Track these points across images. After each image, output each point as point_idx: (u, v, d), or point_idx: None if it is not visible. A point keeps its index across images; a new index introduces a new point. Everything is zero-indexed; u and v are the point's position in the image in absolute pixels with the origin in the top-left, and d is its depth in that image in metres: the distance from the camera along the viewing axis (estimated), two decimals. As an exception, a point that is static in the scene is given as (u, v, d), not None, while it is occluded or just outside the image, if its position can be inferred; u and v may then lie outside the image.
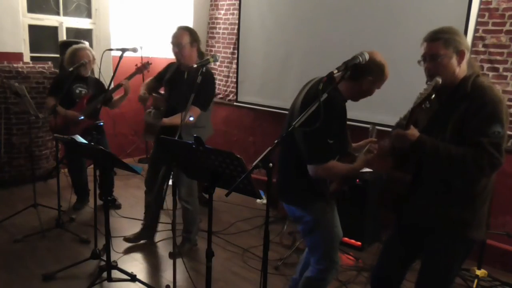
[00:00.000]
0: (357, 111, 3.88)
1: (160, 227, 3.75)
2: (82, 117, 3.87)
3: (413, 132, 1.82)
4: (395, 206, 2.04)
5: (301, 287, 2.47)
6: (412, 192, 1.94)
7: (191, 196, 3.38)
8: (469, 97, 1.81)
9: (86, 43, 4.75)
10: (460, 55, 1.86)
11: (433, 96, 1.80)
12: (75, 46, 4.05)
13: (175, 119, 3.09)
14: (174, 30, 3.17)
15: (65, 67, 4.00)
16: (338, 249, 2.42)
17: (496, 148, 1.73)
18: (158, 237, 3.72)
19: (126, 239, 3.55)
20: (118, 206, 4.38)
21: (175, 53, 3.13)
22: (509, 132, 3.40)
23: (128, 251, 3.49)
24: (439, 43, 1.86)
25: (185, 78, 3.11)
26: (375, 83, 2.19)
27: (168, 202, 4.19)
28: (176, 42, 3.10)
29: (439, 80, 1.80)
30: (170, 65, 3.39)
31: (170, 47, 3.17)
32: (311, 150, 2.08)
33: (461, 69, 1.88)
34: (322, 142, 2.03)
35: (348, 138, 2.34)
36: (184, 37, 3.10)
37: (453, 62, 1.86)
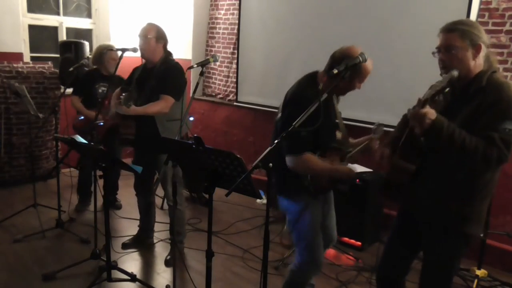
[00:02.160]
0: (356, 111, 3.90)
1: (159, 227, 3.75)
2: (82, 118, 3.88)
3: (432, 111, 1.77)
4: (398, 195, 2.04)
5: (285, 280, 2.53)
6: (414, 183, 1.94)
7: (178, 195, 3.37)
8: (483, 91, 1.79)
9: (86, 43, 4.78)
10: (476, 49, 1.82)
11: (447, 89, 1.78)
12: (102, 44, 4.13)
13: (147, 108, 3.10)
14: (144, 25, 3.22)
15: (70, 66, 4.00)
16: (322, 246, 2.44)
17: (505, 144, 1.73)
18: (157, 237, 3.72)
19: (124, 245, 3.54)
20: (119, 207, 4.38)
21: (140, 46, 3.15)
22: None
23: (128, 251, 3.49)
24: (455, 34, 1.83)
25: (153, 73, 3.15)
26: (353, 78, 2.17)
27: (158, 202, 4.24)
28: (142, 34, 3.13)
29: (455, 73, 1.78)
30: (135, 69, 3.37)
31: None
32: (286, 141, 2.03)
33: (476, 64, 1.84)
34: (294, 134, 1.95)
35: (333, 134, 2.38)
36: (151, 32, 3.14)
37: (468, 55, 1.82)
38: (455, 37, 1.83)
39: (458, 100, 1.87)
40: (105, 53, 4.00)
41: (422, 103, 1.77)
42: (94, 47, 5.58)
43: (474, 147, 1.72)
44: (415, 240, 2.06)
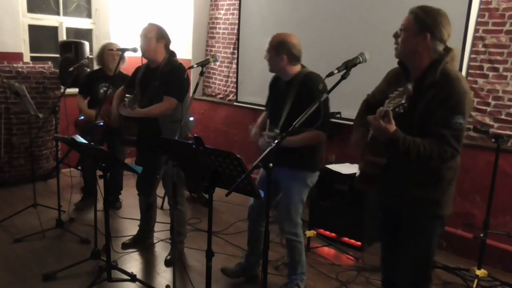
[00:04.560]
0: (355, 111, 3.89)
1: (159, 227, 3.75)
2: (82, 117, 3.88)
3: (390, 127, 1.83)
4: (373, 186, 2.09)
5: None
6: (386, 175, 1.98)
7: (180, 195, 3.37)
8: (436, 85, 1.85)
9: (86, 43, 4.78)
10: (423, 37, 1.87)
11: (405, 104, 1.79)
12: (104, 43, 4.16)
13: (151, 110, 3.10)
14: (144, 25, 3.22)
15: (70, 66, 4.04)
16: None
17: (457, 140, 1.83)
18: (157, 237, 3.72)
19: (124, 245, 3.53)
20: (118, 207, 4.37)
21: (140, 45, 3.15)
22: (509, 132, 3.41)
23: (128, 251, 3.49)
24: (411, 16, 1.90)
25: (158, 73, 3.14)
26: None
27: (158, 202, 4.24)
28: (143, 34, 3.13)
29: (411, 89, 1.79)
30: (138, 69, 3.36)
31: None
32: None
33: (427, 54, 1.89)
34: None
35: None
36: (151, 31, 3.13)
37: (416, 41, 1.88)
38: (410, 19, 1.90)
39: (415, 92, 1.89)
40: (104, 51, 4.02)
41: (383, 115, 1.81)
42: (94, 47, 5.58)
43: (429, 153, 1.82)
44: (398, 232, 2.10)
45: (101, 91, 4.01)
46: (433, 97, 1.84)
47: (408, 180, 1.97)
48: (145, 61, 3.27)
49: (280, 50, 2.61)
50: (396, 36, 1.96)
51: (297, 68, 2.68)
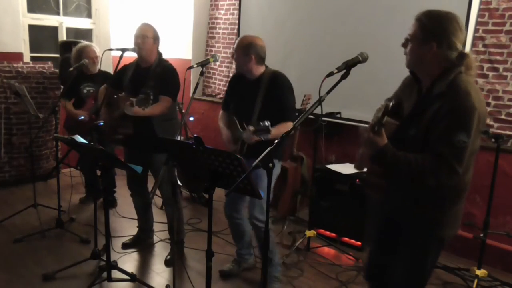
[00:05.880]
0: (356, 111, 3.90)
1: (159, 227, 3.75)
2: (82, 117, 3.88)
3: (381, 140, 1.77)
4: (377, 194, 2.03)
5: None
6: (390, 186, 1.92)
7: (175, 194, 3.37)
8: (444, 96, 1.71)
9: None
10: (428, 47, 1.75)
11: (385, 120, 1.74)
12: (80, 44, 4.12)
13: (153, 109, 3.09)
14: (139, 25, 3.22)
15: (70, 66, 4.05)
16: None
17: (457, 159, 1.67)
18: (157, 237, 3.72)
19: (124, 245, 3.53)
20: (114, 204, 4.36)
21: (138, 45, 3.14)
22: (509, 132, 3.40)
23: (128, 251, 3.49)
24: (417, 24, 1.79)
25: (150, 73, 3.15)
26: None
27: (158, 202, 4.23)
28: (141, 34, 3.13)
29: (390, 104, 1.72)
30: (124, 68, 3.33)
31: (134, 40, 3.17)
32: None
33: (437, 63, 1.77)
34: None
35: (235, 105, 3.08)
36: (149, 32, 3.15)
37: (424, 50, 1.76)
38: (416, 27, 1.79)
39: (422, 102, 1.82)
40: (82, 51, 3.99)
41: (371, 128, 1.76)
42: (94, 47, 5.59)
43: (421, 171, 1.70)
44: (392, 242, 2.03)
45: (85, 91, 4.01)
46: (438, 110, 1.69)
47: (407, 195, 1.87)
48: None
49: (248, 51, 2.75)
50: (404, 45, 1.85)
51: (262, 68, 2.86)
